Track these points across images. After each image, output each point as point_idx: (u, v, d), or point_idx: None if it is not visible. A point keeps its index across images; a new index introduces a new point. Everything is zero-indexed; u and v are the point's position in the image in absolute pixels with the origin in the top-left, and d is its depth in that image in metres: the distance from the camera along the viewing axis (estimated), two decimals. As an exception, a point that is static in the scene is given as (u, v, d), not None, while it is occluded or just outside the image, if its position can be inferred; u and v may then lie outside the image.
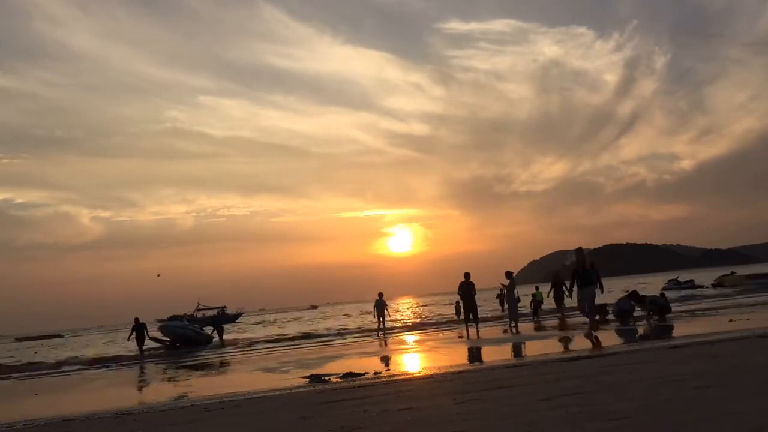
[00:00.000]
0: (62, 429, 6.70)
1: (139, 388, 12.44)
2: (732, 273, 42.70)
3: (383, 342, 18.93)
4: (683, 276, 55.85)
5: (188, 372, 14.91)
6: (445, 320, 29.09)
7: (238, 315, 75.07)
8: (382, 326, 23.04)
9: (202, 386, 10.69)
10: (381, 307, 23.29)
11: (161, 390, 10.83)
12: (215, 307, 75.37)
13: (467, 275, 18.67)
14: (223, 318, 71.01)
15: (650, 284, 53.69)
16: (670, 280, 47.66)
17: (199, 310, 74.37)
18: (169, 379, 13.41)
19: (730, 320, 13.74)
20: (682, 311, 19.51)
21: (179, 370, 15.63)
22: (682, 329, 12.93)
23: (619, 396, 4.73)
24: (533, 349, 11.97)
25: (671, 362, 6.94)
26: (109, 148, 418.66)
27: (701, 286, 41.77)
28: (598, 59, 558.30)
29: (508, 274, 19.08)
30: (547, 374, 6.90)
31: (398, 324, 28.79)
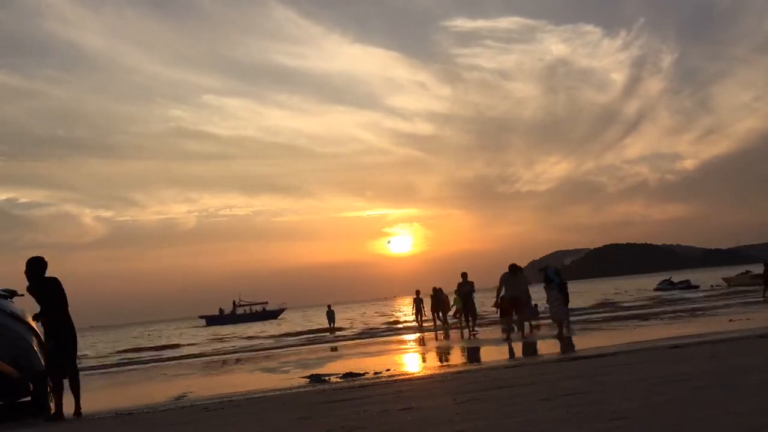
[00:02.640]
0: (63, 428, 6.70)
1: (139, 388, 12.43)
2: (747, 272, 39.58)
3: (334, 346, 19.29)
4: (681, 276, 54.69)
5: (188, 372, 14.90)
6: (399, 325, 29.25)
7: (281, 311, 74.23)
8: (333, 331, 27.90)
9: (202, 386, 10.69)
10: (331, 315, 30.08)
11: (161, 390, 10.83)
12: (257, 303, 74.40)
13: (464, 275, 18.61)
14: (265, 313, 70.64)
15: (647, 285, 53.45)
16: (663, 281, 46.21)
17: (240, 306, 73.49)
18: (169, 379, 13.40)
19: (730, 320, 13.75)
20: (681, 311, 19.53)
21: (179, 370, 15.63)
22: (681, 329, 12.93)
23: (619, 396, 4.72)
24: (531, 349, 11.97)
25: (671, 362, 6.94)
26: (113, 148, 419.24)
27: (697, 287, 40.60)
28: (605, 58, 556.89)
29: (463, 275, 18.47)
30: (547, 374, 6.90)
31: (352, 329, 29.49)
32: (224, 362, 17.52)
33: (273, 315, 70.06)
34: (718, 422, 3.39)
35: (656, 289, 41.90)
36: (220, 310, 72.03)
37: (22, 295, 7.65)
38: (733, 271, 45.18)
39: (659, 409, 3.94)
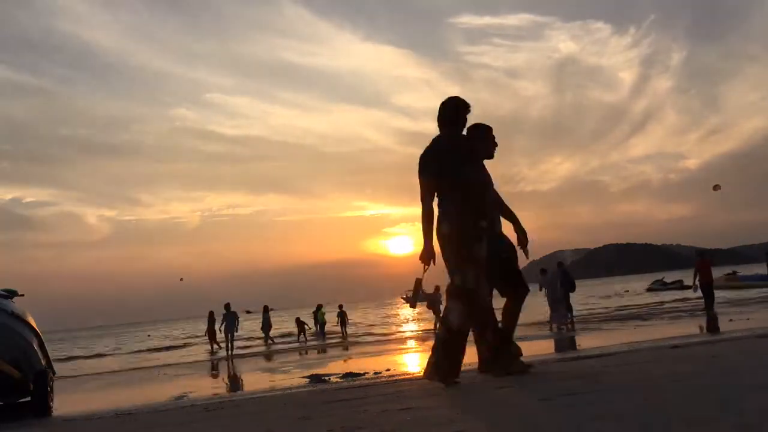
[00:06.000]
0: (63, 428, 6.70)
1: (139, 388, 12.44)
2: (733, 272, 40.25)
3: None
4: (679, 276, 54.56)
5: (188, 372, 14.90)
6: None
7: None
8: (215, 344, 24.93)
9: (202, 386, 10.69)
10: (213, 323, 24.79)
11: (161, 390, 10.83)
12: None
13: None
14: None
15: (640, 286, 53.26)
16: (656, 281, 46.18)
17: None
18: (170, 379, 13.41)
19: (730, 320, 13.76)
20: (682, 309, 19.52)
21: (178, 370, 15.63)
22: (681, 329, 12.92)
23: (619, 396, 4.73)
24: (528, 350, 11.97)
25: (671, 362, 6.94)
26: (118, 147, 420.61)
27: (689, 287, 40.49)
28: (613, 56, 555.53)
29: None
30: (547, 374, 6.90)
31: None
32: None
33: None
34: (718, 422, 3.39)
35: (649, 290, 41.79)
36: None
37: (23, 295, 7.61)
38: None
39: (659, 409, 3.95)
